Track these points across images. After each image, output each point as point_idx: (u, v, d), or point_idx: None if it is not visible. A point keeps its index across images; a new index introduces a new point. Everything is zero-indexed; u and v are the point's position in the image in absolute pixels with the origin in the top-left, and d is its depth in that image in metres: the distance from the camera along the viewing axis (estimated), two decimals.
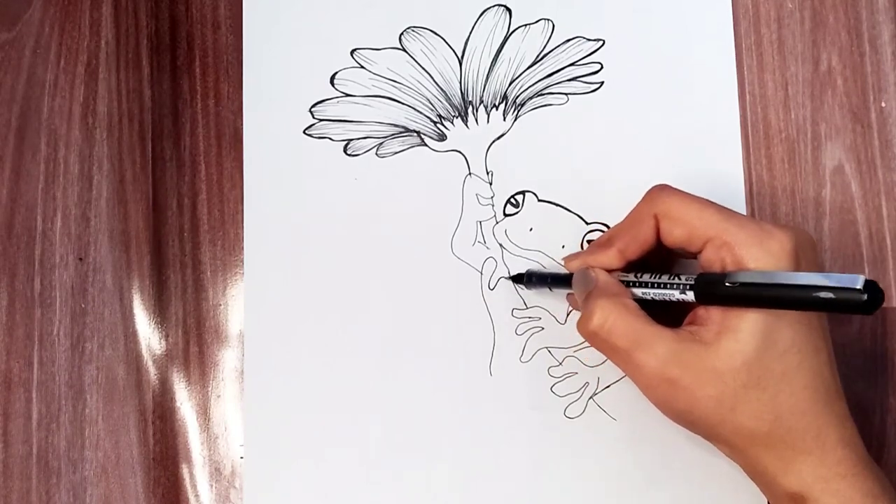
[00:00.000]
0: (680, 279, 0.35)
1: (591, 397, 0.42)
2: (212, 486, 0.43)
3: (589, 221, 0.43)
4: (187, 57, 0.46)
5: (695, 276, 0.35)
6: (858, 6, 0.44)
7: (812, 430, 0.33)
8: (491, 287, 0.43)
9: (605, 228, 0.43)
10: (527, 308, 0.43)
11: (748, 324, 0.33)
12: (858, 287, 0.29)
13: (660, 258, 0.38)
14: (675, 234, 0.36)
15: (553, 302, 0.42)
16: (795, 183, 0.43)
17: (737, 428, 0.33)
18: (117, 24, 0.46)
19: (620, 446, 0.41)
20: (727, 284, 0.33)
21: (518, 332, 0.43)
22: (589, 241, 0.43)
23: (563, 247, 0.43)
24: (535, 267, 0.43)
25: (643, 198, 0.37)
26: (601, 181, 0.43)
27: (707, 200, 0.36)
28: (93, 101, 0.45)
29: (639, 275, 0.37)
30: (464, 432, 0.42)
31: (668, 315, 0.36)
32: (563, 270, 0.40)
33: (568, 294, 0.41)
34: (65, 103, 0.45)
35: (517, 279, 0.42)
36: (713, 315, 0.34)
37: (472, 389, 0.42)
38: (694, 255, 0.36)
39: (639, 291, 0.36)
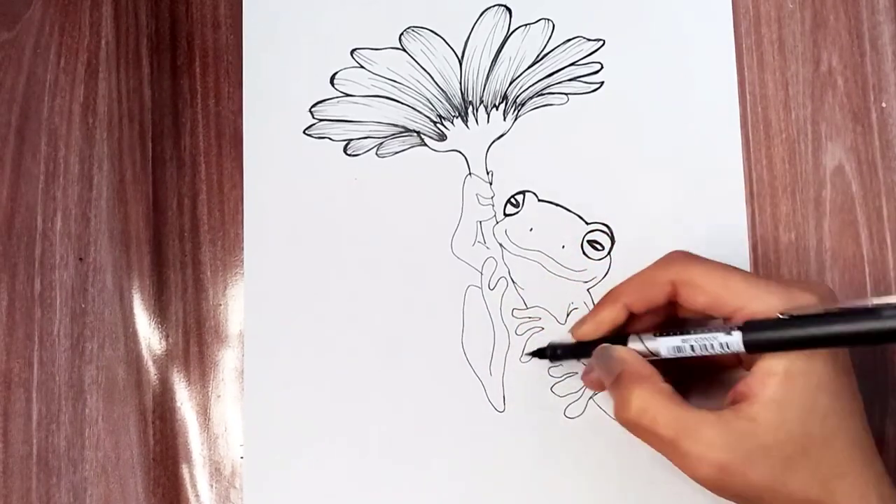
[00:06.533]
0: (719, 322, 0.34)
1: (591, 397, 0.42)
2: (212, 486, 0.43)
3: (589, 221, 0.43)
4: (187, 57, 0.46)
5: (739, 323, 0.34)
6: (859, 6, 0.44)
7: (856, 492, 0.33)
8: (491, 287, 0.43)
9: (604, 229, 0.43)
10: (527, 308, 0.43)
11: (789, 393, 0.33)
12: None
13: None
14: (698, 302, 0.35)
15: (553, 302, 0.42)
16: (795, 183, 0.43)
17: (787, 498, 0.33)
18: (117, 24, 0.46)
19: (620, 446, 0.41)
20: (780, 316, 0.32)
21: (518, 332, 0.43)
22: (589, 242, 0.43)
23: (563, 247, 0.43)
24: (556, 340, 0.41)
25: (659, 261, 0.37)
26: (601, 181, 0.43)
27: (728, 266, 0.35)
28: (93, 101, 0.45)
29: (668, 330, 0.36)
30: (464, 433, 0.42)
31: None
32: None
33: (584, 375, 0.40)
34: (65, 103, 0.45)
35: (539, 354, 0.41)
36: (753, 389, 0.33)
37: (471, 390, 0.42)
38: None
39: (678, 340, 0.35)
